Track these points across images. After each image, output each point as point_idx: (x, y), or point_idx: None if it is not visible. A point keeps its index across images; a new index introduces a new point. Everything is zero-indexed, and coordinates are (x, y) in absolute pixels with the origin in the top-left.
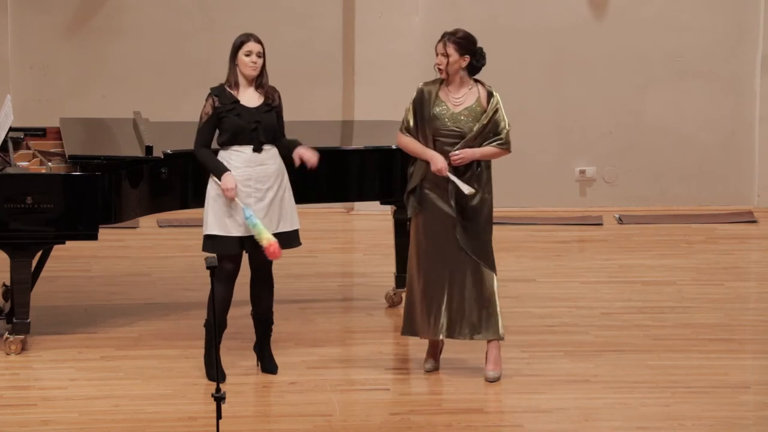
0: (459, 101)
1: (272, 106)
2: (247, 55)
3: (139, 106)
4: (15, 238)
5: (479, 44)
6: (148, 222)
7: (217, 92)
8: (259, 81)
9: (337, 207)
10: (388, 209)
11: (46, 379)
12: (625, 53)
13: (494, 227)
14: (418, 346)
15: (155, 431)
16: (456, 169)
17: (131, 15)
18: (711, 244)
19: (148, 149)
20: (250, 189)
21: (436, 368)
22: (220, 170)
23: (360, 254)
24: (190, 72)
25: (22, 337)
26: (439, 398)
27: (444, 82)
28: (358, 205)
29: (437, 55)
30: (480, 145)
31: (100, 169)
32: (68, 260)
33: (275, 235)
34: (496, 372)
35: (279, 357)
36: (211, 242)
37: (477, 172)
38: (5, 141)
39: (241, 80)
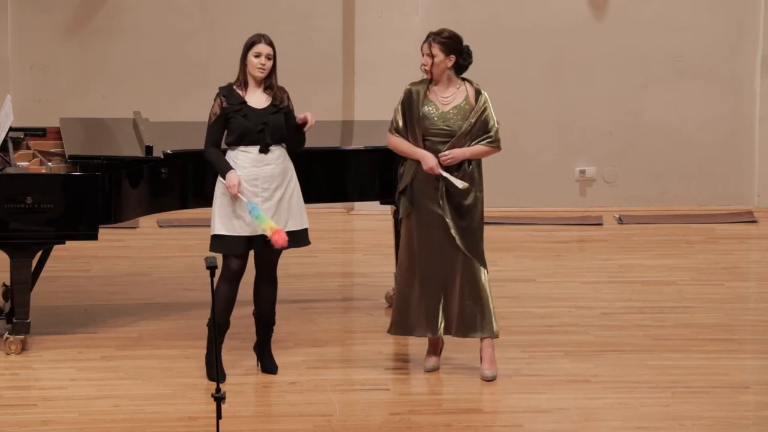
0: (447, 100)
1: (280, 107)
2: (257, 57)
3: (139, 106)
4: (15, 238)
5: (472, 43)
6: (148, 222)
7: (225, 92)
8: (268, 82)
9: (337, 207)
10: (388, 209)
11: (46, 379)
12: (625, 53)
13: (494, 227)
14: (418, 346)
15: (155, 431)
16: (447, 169)
17: (131, 15)
18: (711, 244)
19: (148, 149)
20: (257, 189)
21: (436, 368)
22: (225, 169)
23: (360, 254)
24: (190, 72)
25: (22, 337)
26: (439, 398)
27: (431, 81)
28: (358, 205)
29: (423, 55)
30: (469, 144)
31: (100, 169)
32: (68, 260)
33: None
34: (493, 371)
35: (279, 357)
36: (218, 242)
37: (468, 170)
38: (5, 141)
39: (250, 80)
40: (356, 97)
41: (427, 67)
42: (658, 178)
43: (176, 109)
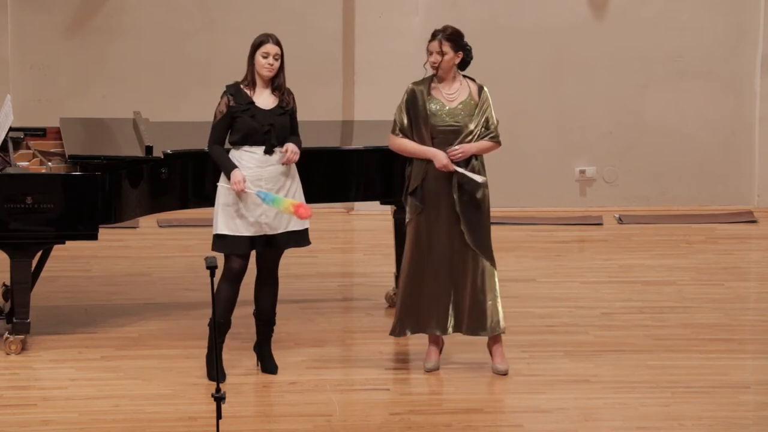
0: (453, 96)
1: (286, 109)
2: (264, 57)
3: (139, 106)
4: (15, 238)
5: (472, 43)
6: (148, 222)
7: (233, 91)
8: (276, 83)
9: (337, 207)
10: (388, 209)
11: (46, 379)
12: (625, 53)
13: (494, 227)
14: (418, 346)
15: (155, 431)
16: (456, 164)
17: (131, 15)
18: (711, 244)
19: (148, 149)
20: (260, 189)
21: (436, 368)
22: (229, 167)
23: (360, 254)
24: (190, 72)
25: (22, 337)
26: (439, 398)
27: (434, 79)
28: (358, 205)
29: (431, 53)
30: (474, 140)
31: (100, 169)
32: (68, 260)
33: (286, 233)
34: (505, 365)
35: (279, 357)
36: (221, 242)
37: (477, 165)
38: (5, 141)
39: (258, 80)
40: (356, 97)
41: (437, 64)
42: (658, 178)
43: (176, 109)
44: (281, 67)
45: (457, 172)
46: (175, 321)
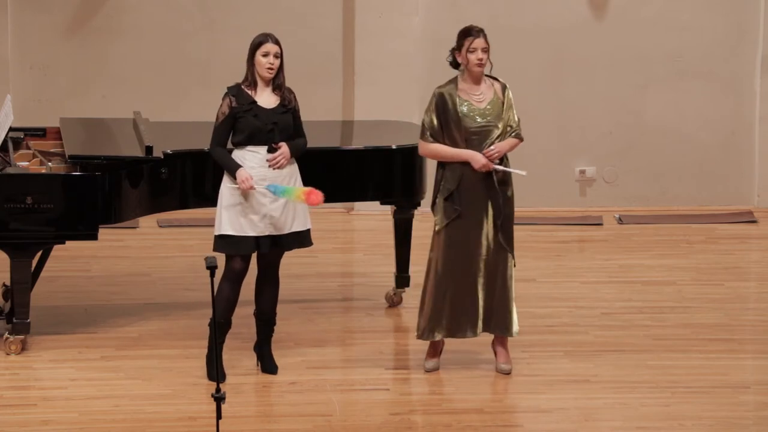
0: (481, 97)
1: (288, 107)
2: (265, 56)
3: (139, 106)
4: (15, 238)
5: None
6: (148, 222)
7: (235, 92)
8: (276, 82)
9: (337, 207)
10: (388, 209)
11: (46, 379)
12: (625, 53)
13: None
14: (418, 346)
15: (155, 431)
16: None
17: (131, 15)
18: (711, 244)
19: (148, 149)
20: (252, 190)
21: (436, 368)
22: (233, 167)
23: (360, 254)
24: (190, 72)
25: (22, 337)
26: (439, 398)
27: (458, 81)
28: (358, 205)
29: (477, 50)
30: (503, 139)
31: (100, 169)
32: (68, 260)
33: (290, 234)
34: (509, 364)
35: (279, 357)
36: (224, 242)
37: (507, 164)
38: (5, 141)
39: (259, 80)
40: (356, 97)
41: (484, 62)
42: (658, 178)
43: (176, 109)
44: (281, 66)
45: (497, 170)
46: (175, 321)
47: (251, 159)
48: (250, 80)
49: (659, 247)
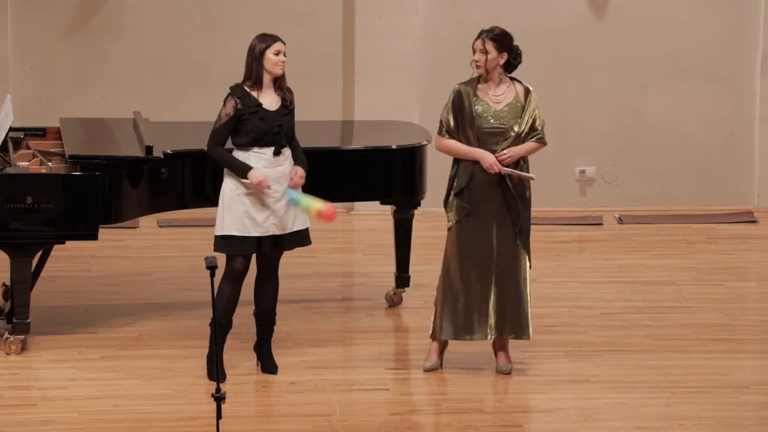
0: (499, 98)
1: (290, 108)
2: (276, 54)
3: (139, 106)
4: (15, 238)
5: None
6: (148, 222)
7: (240, 93)
8: (280, 82)
9: (337, 207)
10: (388, 209)
11: (46, 379)
12: (625, 53)
13: None
14: (419, 346)
15: (155, 431)
16: (505, 166)
17: (131, 15)
18: (711, 244)
19: (148, 149)
20: (268, 189)
21: (436, 367)
22: (245, 168)
23: (360, 254)
24: (190, 72)
25: (22, 337)
26: (439, 398)
27: (480, 80)
28: (358, 205)
29: (475, 52)
30: (521, 142)
31: (100, 169)
32: (68, 260)
33: (289, 234)
34: (510, 365)
35: (279, 357)
36: (227, 242)
37: (524, 168)
38: (5, 141)
39: (265, 80)
40: (356, 97)
41: (481, 64)
42: (658, 178)
43: (176, 109)
44: None
45: (503, 172)
46: (175, 321)
47: (256, 160)
48: (255, 80)
49: (659, 247)
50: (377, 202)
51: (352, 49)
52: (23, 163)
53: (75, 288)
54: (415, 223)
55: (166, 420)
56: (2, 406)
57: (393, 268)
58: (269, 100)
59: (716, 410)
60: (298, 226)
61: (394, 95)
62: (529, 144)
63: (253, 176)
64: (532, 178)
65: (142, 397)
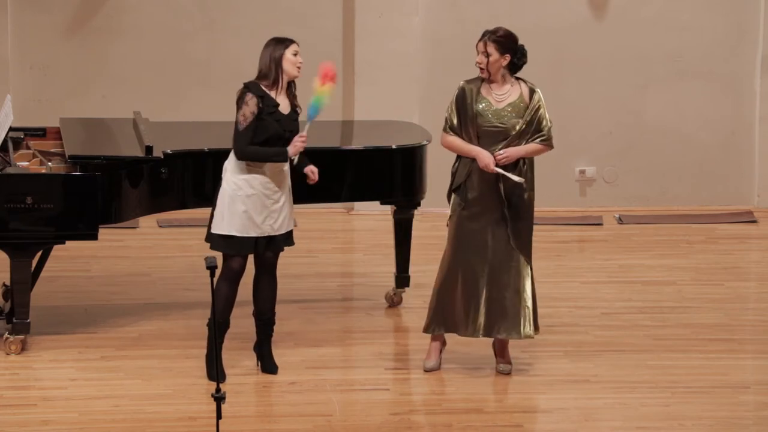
0: (502, 98)
1: (298, 113)
2: (295, 55)
3: (139, 106)
4: (15, 238)
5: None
6: (148, 222)
7: (260, 92)
8: (293, 87)
9: (337, 207)
10: (388, 209)
11: (46, 379)
12: (625, 53)
13: None
14: (418, 346)
15: (155, 431)
16: (503, 168)
17: (131, 15)
18: (711, 244)
19: (148, 149)
20: (269, 191)
21: (436, 367)
22: (282, 152)
23: (360, 254)
24: (190, 72)
25: (22, 337)
26: (439, 398)
27: (485, 79)
28: (358, 205)
29: (478, 53)
30: (524, 143)
31: (100, 169)
32: (68, 260)
33: (281, 235)
34: (510, 366)
35: (279, 357)
36: (226, 242)
37: (523, 170)
38: (5, 141)
39: (283, 82)
40: (356, 97)
41: (483, 66)
42: (658, 178)
43: (176, 109)
44: None
45: (497, 173)
46: (175, 321)
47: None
48: (273, 80)
49: (659, 247)
50: (377, 202)
51: (352, 49)
52: (23, 163)
53: (75, 288)
54: (415, 223)
55: (166, 420)
56: (2, 406)
57: (393, 268)
58: (283, 103)
59: (716, 410)
60: (288, 227)
61: (394, 95)
62: (532, 145)
63: (289, 150)
64: (520, 182)
65: (142, 397)
